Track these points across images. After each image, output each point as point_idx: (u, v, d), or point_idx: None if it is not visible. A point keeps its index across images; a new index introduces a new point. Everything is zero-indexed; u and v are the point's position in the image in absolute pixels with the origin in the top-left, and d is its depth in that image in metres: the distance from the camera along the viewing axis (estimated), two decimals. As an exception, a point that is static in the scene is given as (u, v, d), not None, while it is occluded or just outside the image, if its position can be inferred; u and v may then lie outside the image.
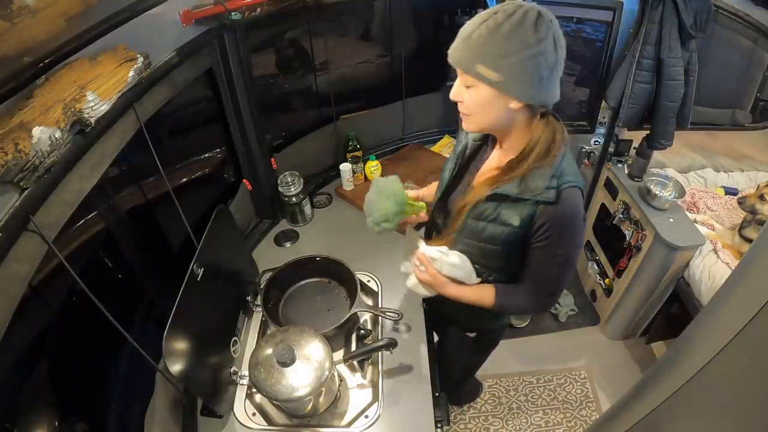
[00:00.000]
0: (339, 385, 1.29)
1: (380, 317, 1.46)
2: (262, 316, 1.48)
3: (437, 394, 1.34)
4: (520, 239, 1.05)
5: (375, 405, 1.28)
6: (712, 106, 2.17)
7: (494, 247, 1.10)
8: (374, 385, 1.34)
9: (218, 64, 1.38)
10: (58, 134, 0.79)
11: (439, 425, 1.29)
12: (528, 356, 2.42)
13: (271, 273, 1.51)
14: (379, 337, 1.42)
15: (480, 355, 1.62)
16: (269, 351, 1.14)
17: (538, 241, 1.03)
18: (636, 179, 2.16)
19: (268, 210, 1.84)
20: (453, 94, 0.98)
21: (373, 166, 2.02)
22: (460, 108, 0.99)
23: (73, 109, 0.83)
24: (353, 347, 1.42)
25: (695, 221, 2.05)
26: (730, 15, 1.90)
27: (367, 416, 1.26)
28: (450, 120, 2.28)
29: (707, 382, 0.83)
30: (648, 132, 2.06)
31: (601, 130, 2.24)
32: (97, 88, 0.88)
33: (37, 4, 0.78)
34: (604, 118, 2.18)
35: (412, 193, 1.31)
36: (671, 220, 1.98)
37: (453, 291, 1.20)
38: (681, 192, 2.06)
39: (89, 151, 0.91)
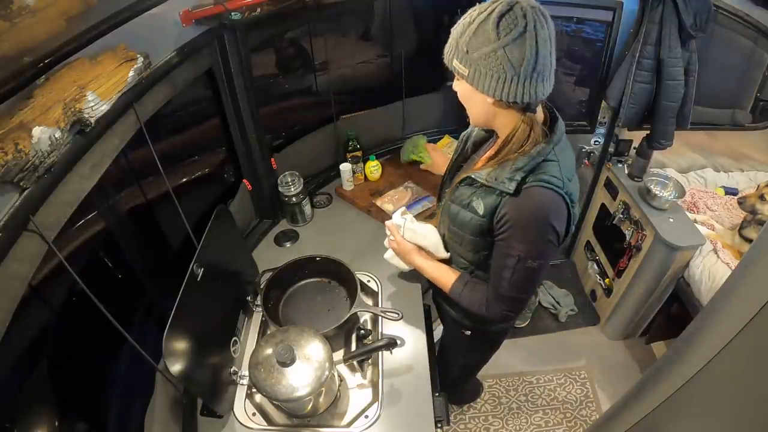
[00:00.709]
0: (339, 385, 1.29)
1: (380, 317, 1.46)
2: (262, 316, 1.48)
3: (437, 394, 1.34)
4: (486, 231, 1.07)
5: (375, 405, 1.28)
6: (712, 106, 2.17)
7: (466, 235, 1.13)
8: (374, 385, 1.34)
9: (218, 64, 1.38)
10: (58, 134, 0.79)
11: (439, 425, 1.29)
12: (528, 356, 2.42)
13: (271, 273, 1.51)
14: (379, 337, 1.42)
15: (479, 355, 1.61)
16: (269, 351, 1.14)
17: (498, 236, 1.04)
18: (636, 179, 2.16)
19: (268, 210, 1.84)
20: (453, 87, 1.03)
21: (373, 166, 2.02)
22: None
23: (73, 109, 0.83)
24: (353, 347, 1.42)
25: (695, 221, 2.06)
26: (730, 15, 1.90)
27: (367, 416, 1.26)
28: (450, 120, 2.28)
29: (707, 382, 0.83)
30: (648, 132, 2.06)
31: (601, 130, 2.24)
32: (97, 88, 0.88)
33: (37, 4, 0.77)
34: (604, 118, 2.18)
35: (429, 145, 1.88)
36: (671, 220, 1.98)
37: (418, 261, 1.26)
38: (681, 192, 2.06)
39: (89, 151, 0.91)
